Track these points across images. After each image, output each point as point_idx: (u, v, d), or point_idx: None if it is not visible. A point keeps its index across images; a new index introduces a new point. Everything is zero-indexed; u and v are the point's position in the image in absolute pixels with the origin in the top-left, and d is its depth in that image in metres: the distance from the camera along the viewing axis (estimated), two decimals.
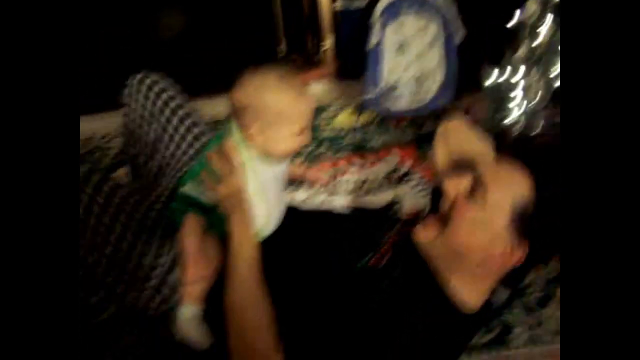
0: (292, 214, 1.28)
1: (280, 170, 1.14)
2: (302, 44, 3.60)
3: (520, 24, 1.83)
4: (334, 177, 2.14)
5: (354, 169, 2.19)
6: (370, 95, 2.44)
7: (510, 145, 1.93)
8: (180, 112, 1.41)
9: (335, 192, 2.04)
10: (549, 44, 1.85)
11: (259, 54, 3.42)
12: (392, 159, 2.22)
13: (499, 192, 1.01)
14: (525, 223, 1.00)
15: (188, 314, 1.11)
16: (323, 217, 1.35)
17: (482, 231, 1.02)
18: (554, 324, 1.48)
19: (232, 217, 1.05)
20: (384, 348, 0.97)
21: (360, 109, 2.56)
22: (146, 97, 1.40)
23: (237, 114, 1.06)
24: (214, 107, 2.53)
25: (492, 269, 1.05)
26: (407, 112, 2.36)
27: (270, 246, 1.12)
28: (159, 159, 1.40)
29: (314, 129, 2.61)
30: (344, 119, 2.62)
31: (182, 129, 1.40)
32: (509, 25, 1.85)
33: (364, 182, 2.09)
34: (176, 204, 1.08)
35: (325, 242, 1.22)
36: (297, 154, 2.30)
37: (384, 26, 2.50)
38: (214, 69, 3.39)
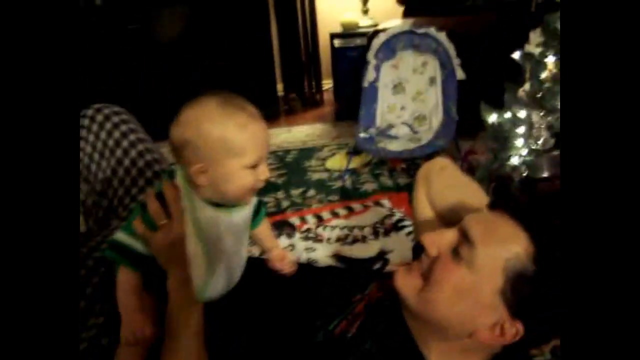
0: (256, 269, 1.10)
1: (237, 218, 0.95)
2: (300, 84, 3.50)
3: (524, 57, 1.67)
4: (318, 226, 1.94)
5: (341, 215, 2.00)
6: (363, 134, 2.27)
7: (512, 191, 1.73)
8: (140, 147, 1.25)
9: (320, 239, 1.84)
10: (554, 78, 1.69)
11: (257, 94, 3.32)
12: (384, 205, 2.03)
13: (489, 249, 0.80)
14: (522, 296, 0.80)
15: None
16: (288, 277, 1.16)
17: (466, 300, 0.81)
18: None
19: (171, 274, 0.86)
20: None
21: (353, 151, 2.39)
22: (101, 127, 1.25)
23: (177, 152, 0.88)
24: None
25: (478, 350, 0.84)
26: (403, 154, 2.17)
27: (221, 307, 0.93)
28: (110, 196, 1.23)
29: (303, 171, 2.44)
30: (337, 161, 2.45)
31: (140, 163, 1.23)
32: (514, 56, 1.69)
33: (351, 229, 1.89)
34: (110, 253, 0.89)
35: (286, 305, 1.02)
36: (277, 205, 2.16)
37: (379, 64, 2.36)
38: None
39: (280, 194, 2.22)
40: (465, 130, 2.18)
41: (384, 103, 2.37)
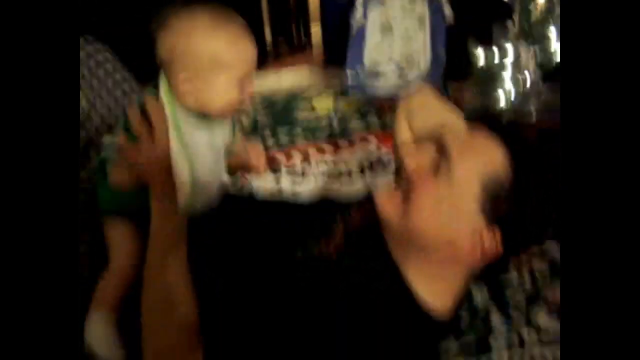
0: (233, 198, 1.11)
1: (218, 134, 0.95)
2: (288, 28, 3.45)
3: None
4: (304, 161, 1.96)
5: (326, 154, 2.01)
6: (352, 78, 2.26)
7: (500, 132, 1.77)
8: (117, 76, 1.25)
9: (304, 178, 1.86)
10: (544, 19, 1.68)
11: None
12: (369, 146, 2.04)
13: (466, 164, 0.82)
14: (498, 205, 0.82)
15: (97, 322, 0.93)
16: (269, 204, 1.17)
17: (446, 211, 0.83)
18: None
19: (153, 189, 0.87)
20: (322, 351, 0.78)
21: (340, 93, 2.39)
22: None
23: (163, 63, 0.88)
24: None
25: (460, 261, 0.86)
26: (392, 96, 2.18)
27: (199, 228, 0.94)
28: (89, 131, 1.23)
29: (290, 110, 2.44)
30: (323, 104, 2.45)
31: (117, 93, 1.24)
32: None
33: (337, 164, 1.91)
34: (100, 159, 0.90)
35: (264, 229, 1.04)
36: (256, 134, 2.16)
37: (367, 5, 2.33)
38: None
39: (266, 132, 2.22)
40: (454, 74, 2.18)
41: (371, 43, 2.35)
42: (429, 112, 1.00)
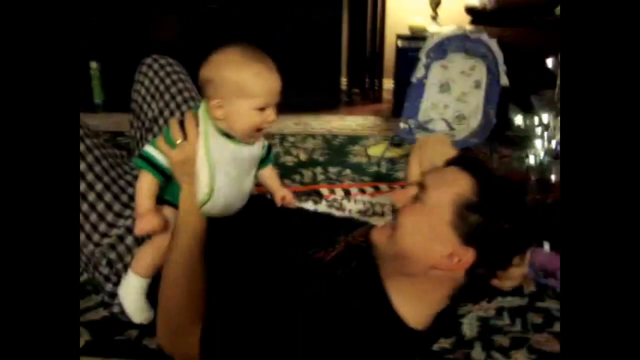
0: (259, 203, 1.27)
1: (244, 152, 1.11)
2: (362, 80, 3.67)
3: (556, 64, 1.77)
4: (344, 198, 2.11)
5: (366, 195, 2.15)
6: (404, 125, 2.41)
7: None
8: (186, 94, 1.46)
9: (342, 209, 2.01)
10: None
11: (321, 83, 3.52)
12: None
13: (439, 189, 0.96)
14: (470, 225, 0.94)
15: (132, 284, 1.12)
16: (289, 211, 1.33)
17: (424, 231, 0.96)
18: None
19: (183, 186, 1.06)
20: (311, 340, 0.92)
21: (393, 140, 2.54)
22: (156, 74, 1.46)
23: (202, 87, 1.07)
24: None
25: (437, 278, 0.98)
26: None
27: (222, 226, 1.11)
28: (155, 132, 1.45)
29: (345, 152, 2.62)
30: (378, 149, 2.61)
31: (184, 108, 1.44)
32: (547, 63, 1.79)
33: (373, 205, 2.04)
34: (137, 160, 1.08)
35: (277, 232, 1.20)
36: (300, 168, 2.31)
37: (430, 63, 2.49)
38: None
39: (318, 170, 2.40)
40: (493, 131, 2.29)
41: (428, 100, 2.49)
42: (439, 157, 1.14)
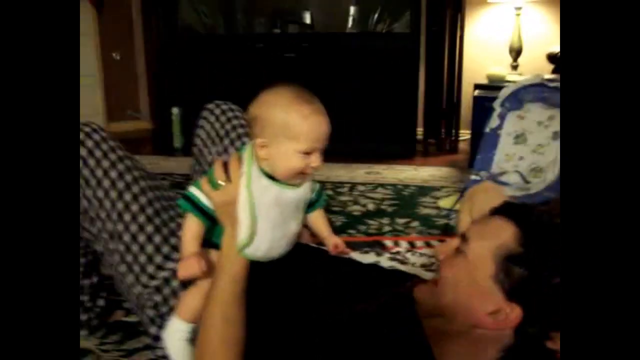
0: (304, 250, 1.24)
1: (289, 195, 1.07)
2: (438, 130, 3.61)
3: None
4: (408, 251, 2.03)
5: (431, 247, 2.06)
6: (474, 177, 2.31)
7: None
8: (246, 139, 1.48)
9: (405, 262, 1.93)
10: None
11: (396, 133, 3.50)
12: None
13: (480, 241, 0.89)
14: (514, 279, 0.87)
15: (176, 328, 1.11)
16: (334, 261, 1.29)
17: (465, 285, 0.90)
18: None
19: (226, 228, 1.05)
20: None
21: (463, 192, 2.44)
22: (217, 119, 1.50)
23: (249, 126, 1.07)
24: None
25: (483, 339, 0.91)
26: (509, 200, 2.18)
27: (264, 272, 1.09)
28: None
29: (415, 203, 2.54)
30: (449, 201, 2.51)
31: None
32: None
33: (435, 263, 1.95)
34: (181, 201, 1.09)
35: (319, 282, 1.16)
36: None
37: (505, 113, 2.40)
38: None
39: (385, 220, 2.34)
40: None
41: (502, 151, 2.38)
42: (489, 206, 1.07)
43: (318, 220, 1.18)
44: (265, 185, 1.04)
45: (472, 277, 0.89)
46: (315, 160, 1.02)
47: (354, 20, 3.61)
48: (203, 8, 3.79)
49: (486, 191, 1.12)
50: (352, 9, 3.62)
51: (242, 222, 1.03)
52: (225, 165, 1.05)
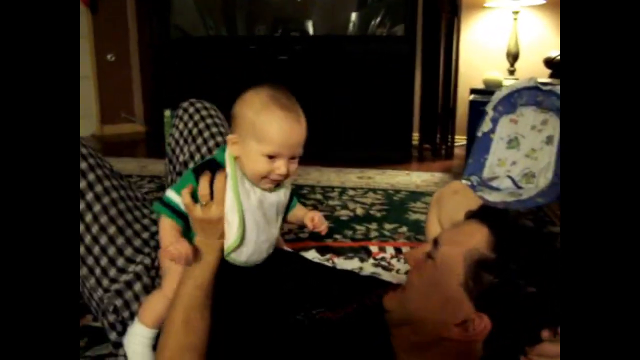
0: (281, 255, 1.19)
1: (271, 198, 1.04)
2: (434, 135, 3.54)
3: None
4: (394, 257, 1.96)
5: None
6: (465, 181, 2.25)
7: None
8: (219, 139, 1.43)
9: (390, 268, 1.86)
10: None
11: (392, 138, 3.44)
12: None
13: (451, 246, 0.83)
14: (484, 286, 0.80)
15: (137, 333, 1.06)
16: (307, 266, 1.23)
17: (433, 293, 0.83)
18: None
19: (198, 234, 1.01)
20: None
21: None
22: (191, 118, 1.45)
23: (230, 123, 1.04)
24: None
25: (452, 351, 0.84)
26: (499, 205, 2.10)
27: (233, 277, 1.04)
28: None
29: (404, 209, 2.47)
30: None
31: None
32: None
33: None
34: (158, 206, 1.04)
35: (288, 288, 1.10)
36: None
37: (498, 117, 2.33)
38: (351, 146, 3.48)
39: (373, 225, 2.28)
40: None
41: (495, 156, 2.32)
42: (458, 210, 1.01)
43: (294, 211, 1.15)
44: (249, 187, 1.01)
45: (440, 284, 0.83)
46: (280, 166, 0.98)
47: (354, 26, 3.56)
48: (206, 15, 3.74)
49: (455, 193, 1.06)
50: (353, 15, 3.56)
51: (231, 223, 0.99)
52: (211, 182, 0.99)
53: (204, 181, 0.98)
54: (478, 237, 0.82)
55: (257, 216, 1.02)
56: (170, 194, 1.02)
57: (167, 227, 1.01)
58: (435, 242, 0.87)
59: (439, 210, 1.03)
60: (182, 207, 1.01)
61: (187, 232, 1.03)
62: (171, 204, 1.02)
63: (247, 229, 1.01)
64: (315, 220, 1.11)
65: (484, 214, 0.87)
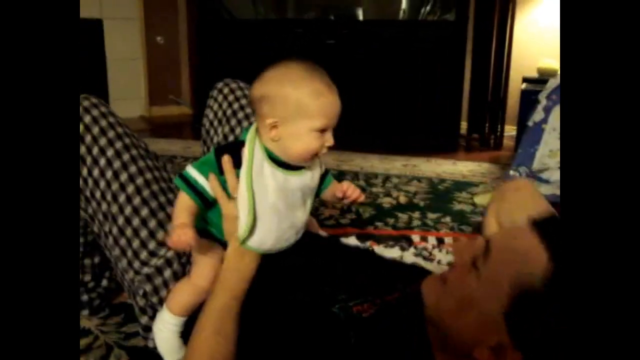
0: (314, 242, 1.16)
1: (295, 183, 0.98)
2: (483, 124, 3.44)
3: None
4: (436, 247, 1.91)
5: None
6: (513, 172, 2.17)
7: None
8: (254, 119, 1.40)
9: (431, 259, 1.82)
10: None
11: (440, 127, 3.36)
12: None
13: (500, 265, 0.75)
14: (524, 321, 0.74)
15: (165, 320, 1.05)
16: (346, 252, 1.19)
17: (471, 311, 0.78)
18: None
19: (230, 242, 0.99)
20: None
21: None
22: (225, 99, 1.42)
23: (255, 105, 0.99)
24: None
25: None
26: (549, 198, 2.02)
27: (265, 266, 1.02)
28: None
29: (450, 199, 2.41)
30: (486, 198, 2.37)
31: None
32: None
33: None
34: (178, 180, 1.01)
35: (323, 277, 1.06)
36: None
37: (551, 106, 2.23)
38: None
39: (415, 214, 2.23)
40: None
41: (546, 146, 2.23)
42: (519, 208, 0.94)
43: (329, 188, 1.08)
44: (270, 172, 0.96)
45: (479, 305, 0.77)
46: (329, 138, 0.95)
47: (404, 12, 3.47)
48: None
49: (518, 190, 0.98)
50: (403, 1, 3.47)
51: (241, 210, 0.96)
52: (235, 181, 0.96)
53: (212, 179, 0.96)
54: (534, 261, 0.73)
55: (277, 201, 0.97)
56: (190, 170, 0.97)
57: (181, 206, 0.96)
58: (487, 246, 0.79)
59: (499, 206, 0.96)
60: (202, 183, 0.97)
61: (204, 211, 1.00)
62: (190, 180, 0.97)
63: (262, 216, 0.96)
64: (345, 188, 1.04)
65: (549, 228, 0.76)
